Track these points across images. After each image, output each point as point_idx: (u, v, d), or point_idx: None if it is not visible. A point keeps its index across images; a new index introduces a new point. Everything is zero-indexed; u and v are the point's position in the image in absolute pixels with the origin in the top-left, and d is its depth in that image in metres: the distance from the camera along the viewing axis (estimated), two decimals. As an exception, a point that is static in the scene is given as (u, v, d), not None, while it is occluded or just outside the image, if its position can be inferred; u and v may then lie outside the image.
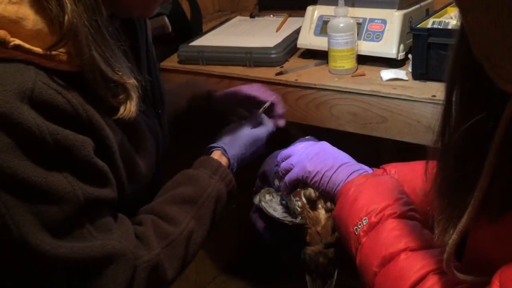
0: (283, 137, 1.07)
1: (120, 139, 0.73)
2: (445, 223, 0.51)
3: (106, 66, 0.66)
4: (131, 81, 0.70)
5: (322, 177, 0.76)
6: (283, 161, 0.83)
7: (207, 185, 0.85)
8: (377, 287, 0.62)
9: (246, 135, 0.98)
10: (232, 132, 0.98)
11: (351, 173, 0.75)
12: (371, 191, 0.70)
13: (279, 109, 1.11)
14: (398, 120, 1.10)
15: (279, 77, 1.25)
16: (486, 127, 0.46)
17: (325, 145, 0.82)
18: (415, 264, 0.60)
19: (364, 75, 1.19)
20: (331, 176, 0.76)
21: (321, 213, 0.80)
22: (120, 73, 0.68)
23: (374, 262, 0.63)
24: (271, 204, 0.88)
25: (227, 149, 0.93)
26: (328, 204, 0.80)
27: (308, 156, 0.79)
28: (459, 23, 0.47)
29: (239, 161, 0.95)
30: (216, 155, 0.93)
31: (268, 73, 1.28)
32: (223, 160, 0.92)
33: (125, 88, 0.70)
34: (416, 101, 1.07)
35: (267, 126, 1.03)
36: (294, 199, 0.82)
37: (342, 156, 0.79)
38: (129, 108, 0.70)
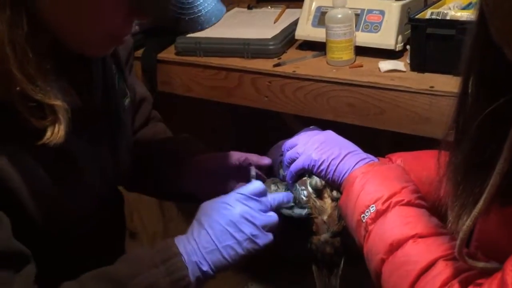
0: (282, 131, 1.06)
1: (35, 169, 0.66)
2: (459, 210, 0.51)
3: (27, 84, 0.60)
4: (58, 103, 0.63)
5: (328, 165, 0.76)
6: (288, 151, 0.83)
7: (142, 270, 0.70)
8: (385, 275, 0.62)
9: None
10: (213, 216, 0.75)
11: (357, 162, 0.74)
12: (378, 179, 0.70)
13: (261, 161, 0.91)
14: (396, 111, 1.10)
15: (276, 69, 1.24)
16: (505, 112, 0.46)
17: (330, 134, 0.81)
18: (423, 251, 0.60)
19: (362, 66, 1.19)
20: (337, 165, 0.75)
21: (327, 202, 0.80)
22: (44, 93, 0.62)
23: (382, 249, 0.63)
24: None
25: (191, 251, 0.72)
26: (334, 193, 0.79)
27: (314, 144, 0.79)
28: (476, 11, 0.47)
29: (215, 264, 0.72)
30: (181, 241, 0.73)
31: (265, 64, 1.27)
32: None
33: (53, 110, 0.63)
34: (414, 92, 1.07)
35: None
36: (299, 189, 0.81)
37: (348, 145, 0.78)
38: (57, 132, 0.63)
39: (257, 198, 0.77)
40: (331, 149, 0.77)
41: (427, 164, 0.77)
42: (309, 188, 0.80)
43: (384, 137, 1.27)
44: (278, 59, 1.29)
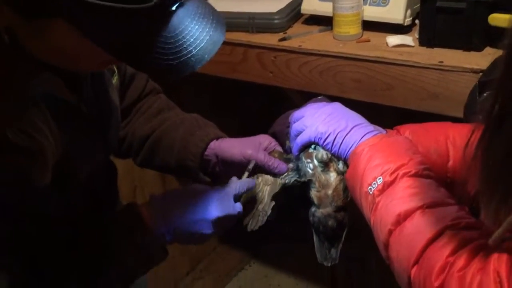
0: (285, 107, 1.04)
1: None
2: (500, 199, 0.48)
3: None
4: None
5: (335, 138, 0.75)
6: (295, 122, 0.81)
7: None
8: (393, 246, 0.62)
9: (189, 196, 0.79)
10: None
11: (365, 134, 0.73)
12: (385, 151, 0.69)
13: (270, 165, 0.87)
14: (403, 87, 1.08)
15: (282, 43, 1.22)
16: None
17: (338, 106, 0.80)
18: (431, 221, 0.59)
19: (369, 41, 1.16)
20: (344, 137, 0.74)
21: (333, 175, 0.79)
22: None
23: (390, 220, 0.62)
24: None
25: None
26: (340, 166, 0.78)
27: (320, 116, 0.77)
28: None
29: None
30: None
31: (271, 39, 1.25)
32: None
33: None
34: (422, 67, 1.04)
35: (230, 188, 0.81)
36: (305, 161, 0.80)
37: (356, 117, 0.77)
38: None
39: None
40: (338, 122, 0.75)
41: (435, 136, 0.76)
42: (315, 161, 0.79)
43: (390, 114, 1.25)
44: (284, 33, 1.26)
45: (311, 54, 1.18)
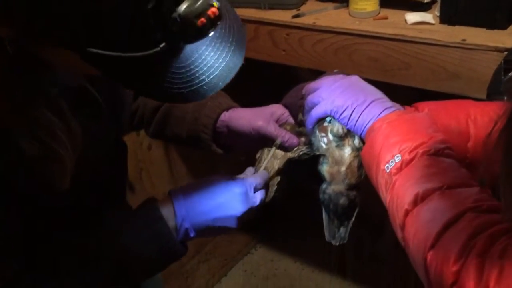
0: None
1: None
2: None
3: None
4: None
5: (352, 112, 0.71)
6: (309, 94, 0.78)
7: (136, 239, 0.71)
8: (409, 227, 0.58)
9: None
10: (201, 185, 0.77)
11: (383, 110, 0.69)
12: (405, 128, 0.65)
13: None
14: (422, 66, 1.04)
15: (295, 20, 1.17)
16: None
17: (356, 79, 0.76)
18: (451, 203, 0.55)
19: (387, 18, 1.12)
20: (362, 112, 0.70)
21: (347, 151, 0.75)
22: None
23: (407, 200, 0.59)
24: None
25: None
26: (356, 142, 0.75)
27: (337, 89, 0.73)
28: None
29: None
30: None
31: (284, 15, 1.20)
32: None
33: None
34: (443, 45, 1.00)
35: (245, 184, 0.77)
36: (319, 135, 0.76)
37: (374, 92, 0.73)
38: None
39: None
40: (356, 95, 0.72)
41: (456, 114, 0.72)
42: (330, 135, 0.75)
43: (407, 95, 1.21)
44: (297, 10, 1.22)
45: (326, 31, 1.13)
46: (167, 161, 1.77)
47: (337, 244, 0.79)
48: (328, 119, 0.75)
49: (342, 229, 0.79)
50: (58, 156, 0.60)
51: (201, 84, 0.56)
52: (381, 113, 0.69)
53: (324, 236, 0.79)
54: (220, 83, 0.58)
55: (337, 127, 0.74)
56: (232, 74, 0.59)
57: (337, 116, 0.73)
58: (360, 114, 0.71)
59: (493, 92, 0.88)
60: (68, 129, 0.62)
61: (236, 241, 2.10)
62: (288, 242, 2.09)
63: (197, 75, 0.56)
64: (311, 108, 0.76)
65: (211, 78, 0.57)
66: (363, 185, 0.77)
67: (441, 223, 0.54)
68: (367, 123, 0.70)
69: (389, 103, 0.72)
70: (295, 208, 2.11)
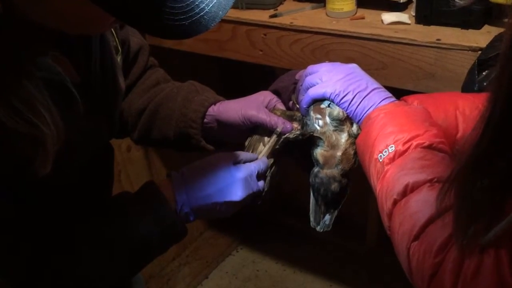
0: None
1: None
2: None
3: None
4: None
5: (354, 97, 0.71)
6: (307, 76, 0.77)
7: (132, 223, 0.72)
8: (396, 217, 0.58)
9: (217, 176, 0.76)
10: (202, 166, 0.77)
11: (384, 99, 0.70)
12: (402, 119, 0.65)
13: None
14: (398, 66, 1.04)
15: (273, 20, 1.17)
16: None
17: (356, 67, 0.76)
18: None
19: (363, 18, 1.12)
20: (363, 98, 0.70)
21: (344, 136, 0.74)
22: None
23: (396, 190, 0.59)
24: None
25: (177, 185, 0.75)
26: (354, 128, 0.74)
27: (338, 74, 0.73)
28: None
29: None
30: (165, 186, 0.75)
31: (261, 15, 1.20)
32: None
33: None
34: (419, 45, 1.01)
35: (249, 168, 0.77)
36: (314, 116, 0.75)
37: (374, 81, 0.73)
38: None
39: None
40: (358, 82, 0.72)
41: (444, 106, 0.72)
42: (327, 118, 0.74)
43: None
44: (275, 10, 1.21)
45: (303, 31, 1.13)
46: (147, 163, 1.75)
47: (321, 231, 0.78)
48: (326, 102, 0.74)
49: (327, 217, 0.78)
50: (40, 134, 0.58)
51: (202, 13, 0.55)
52: (381, 101, 0.70)
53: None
54: (220, 12, 0.57)
55: (338, 111, 0.73)
56: (230, 2, 0.58)
57: (337, 99, 0.72)
58: (362, 100, 0.70)
59: (468, 91, 0.89)
60: (50, 113, 0.60)
61: (218, 243, 2.09)
62: (270, 244, 2.09)
63: (196, 3, 0.55)
64: (308, 88, 0.76)
65: (211, 7, 0.56)
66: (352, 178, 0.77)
67: (427, 215, 0.54)
68: (368, 109, 0.70)
69: (388, 93, 0.72)
70: (276, 210, 2.11)
